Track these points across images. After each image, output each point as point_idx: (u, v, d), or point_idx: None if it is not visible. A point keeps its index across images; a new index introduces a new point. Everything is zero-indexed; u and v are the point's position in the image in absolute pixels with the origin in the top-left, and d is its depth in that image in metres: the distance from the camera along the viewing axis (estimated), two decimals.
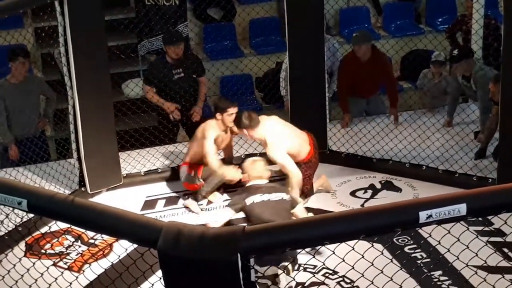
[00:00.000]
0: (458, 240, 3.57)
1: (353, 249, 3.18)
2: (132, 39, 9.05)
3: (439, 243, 3.94)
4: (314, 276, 5.47)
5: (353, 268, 3.51)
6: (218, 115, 6.54)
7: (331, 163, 7.22)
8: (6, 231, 6.00)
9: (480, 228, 5.85)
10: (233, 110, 6.54)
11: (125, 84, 8.98)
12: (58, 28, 6.41)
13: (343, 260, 3.33)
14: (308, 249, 5.48)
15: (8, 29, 8.72)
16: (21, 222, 5.99)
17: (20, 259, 5.05)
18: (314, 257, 3.40)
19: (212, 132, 6.50)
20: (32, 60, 8.62)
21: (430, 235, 3.93)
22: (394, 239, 5.85)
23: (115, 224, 3.06)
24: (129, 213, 3.13)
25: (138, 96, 8.33)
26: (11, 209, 3.40)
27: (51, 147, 8.25)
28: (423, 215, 2.88)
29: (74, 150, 6.81)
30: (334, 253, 3.29)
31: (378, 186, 6.85)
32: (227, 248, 2.83)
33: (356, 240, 3.02)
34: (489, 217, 5.85)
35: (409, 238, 5.93)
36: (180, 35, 7.97)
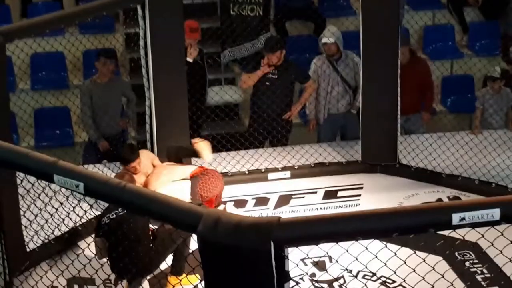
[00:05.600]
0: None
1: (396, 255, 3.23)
2: (213, 47, 9.18)
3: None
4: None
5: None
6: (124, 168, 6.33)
7: (400, 176, 7.21)
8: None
9: None
10: (135, 164, 6.24)
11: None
12: (139, 31, 6.63)
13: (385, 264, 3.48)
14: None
15: (102, 34, 9.16)
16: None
17: None
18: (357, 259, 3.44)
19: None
20: (121, 64, 9.00)
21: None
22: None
23: (161, 209, 3.17)
24: (174, 200, 3.22)
25: (218, 104, 8.51)
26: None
27: None
28: (456, 217, 2.90)
29: (148, 150, 6.98)
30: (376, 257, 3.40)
31: (446, 200, 6.74)
32: (261, 237, 2.89)
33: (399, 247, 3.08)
34: None
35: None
36: (275, 44, 7.69)
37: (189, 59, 7.47)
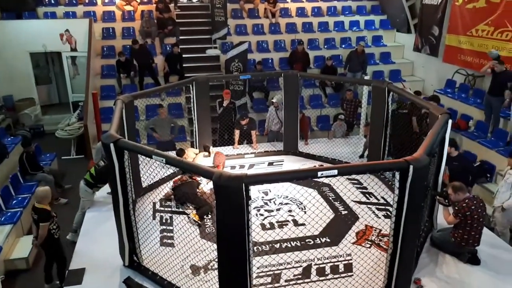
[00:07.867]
0: None
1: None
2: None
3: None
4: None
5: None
6: None
7: (299, 156, 6.89)
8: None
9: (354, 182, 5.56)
10: (183, 156, 5.61)
11: None
12: (191, 95, 6.38)
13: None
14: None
15: (174, 96, 8.80)
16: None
17: None
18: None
19: None
20: (184, 108, 8.63)
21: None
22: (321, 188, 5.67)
23: (196, 170, 3.06)
24: (203, 165, 3.11)
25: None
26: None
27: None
28: (319, 174, 2.89)
29: (193, 147, 6.71)
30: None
31: (317, 166, 6.26)
32: (238, 181, 2.83)
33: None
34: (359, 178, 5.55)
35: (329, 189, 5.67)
36: (244, 115, 7.08)
37: (224, 105, 7.27)
